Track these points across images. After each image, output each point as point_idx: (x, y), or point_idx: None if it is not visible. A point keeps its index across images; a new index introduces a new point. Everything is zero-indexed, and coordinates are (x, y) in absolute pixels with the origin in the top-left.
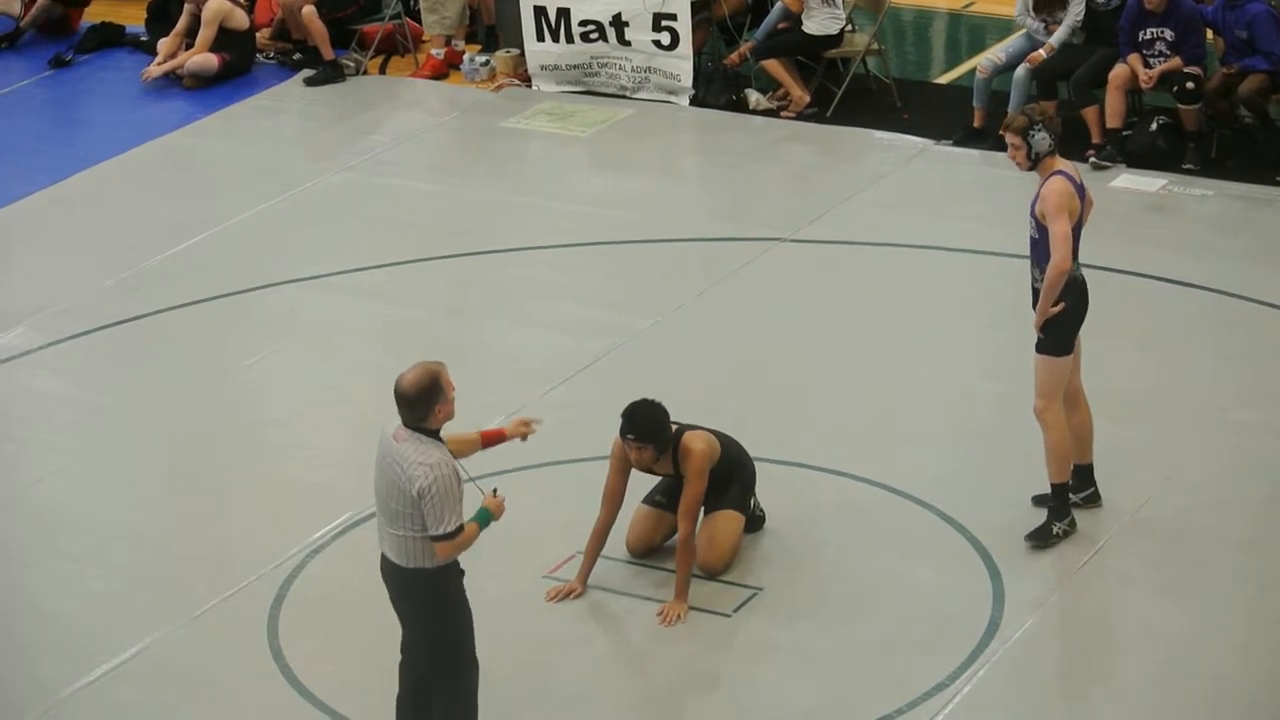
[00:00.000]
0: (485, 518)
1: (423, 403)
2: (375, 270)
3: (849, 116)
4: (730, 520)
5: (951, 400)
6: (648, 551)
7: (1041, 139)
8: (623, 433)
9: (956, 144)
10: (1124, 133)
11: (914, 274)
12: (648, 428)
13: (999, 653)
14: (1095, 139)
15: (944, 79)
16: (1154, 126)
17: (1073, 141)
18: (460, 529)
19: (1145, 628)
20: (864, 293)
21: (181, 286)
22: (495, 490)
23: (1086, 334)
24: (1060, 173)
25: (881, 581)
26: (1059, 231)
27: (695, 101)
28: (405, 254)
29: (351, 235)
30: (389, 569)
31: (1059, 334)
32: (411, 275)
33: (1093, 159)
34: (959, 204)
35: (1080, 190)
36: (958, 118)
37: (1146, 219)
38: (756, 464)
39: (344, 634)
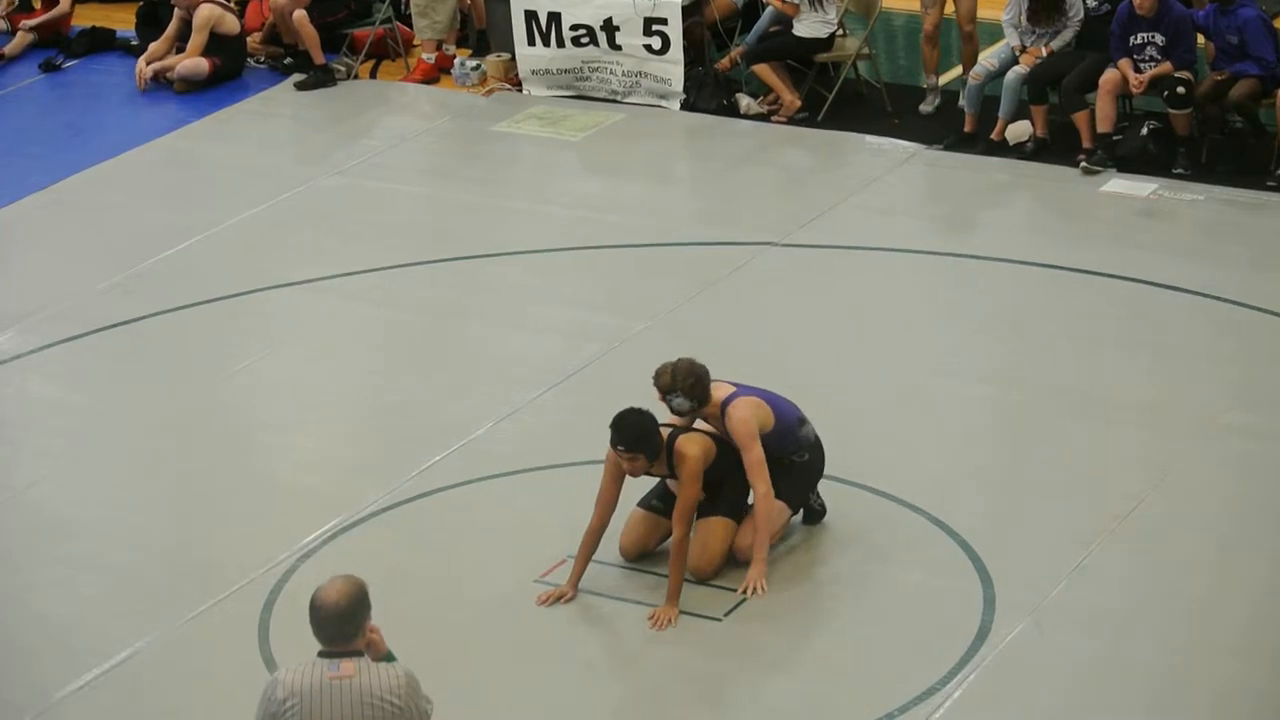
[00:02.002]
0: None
1: (360, 615)
2: (367, 274)
3: (840, 121)
4: (722, 526)
5: (942, 405)
6: (641, 555)
7: (680, 403)
8: (612, 443)
9: (947, 148)
10: (1115, 137)
11: (904, 278)
12: (635, 436)
13: (989, 658)
14: (1086, 144)
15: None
16: (1145, 131)
17: (1063, 146)
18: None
19: (1138, 633)
20: (854, 297)
21: (174, 290)
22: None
23: (1074, 338)
24: (731, 399)
25: (872, 586)
26: (756, 458)
27: (686, 106)
28: (397, 258)
29: (343, 239)
30: None
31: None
32: (403, 279)
33: (1084, 164)
34: (949, 209)
35: (748, 390)
36: (949, 122)
37: (1137, 223)
38: None
39: None
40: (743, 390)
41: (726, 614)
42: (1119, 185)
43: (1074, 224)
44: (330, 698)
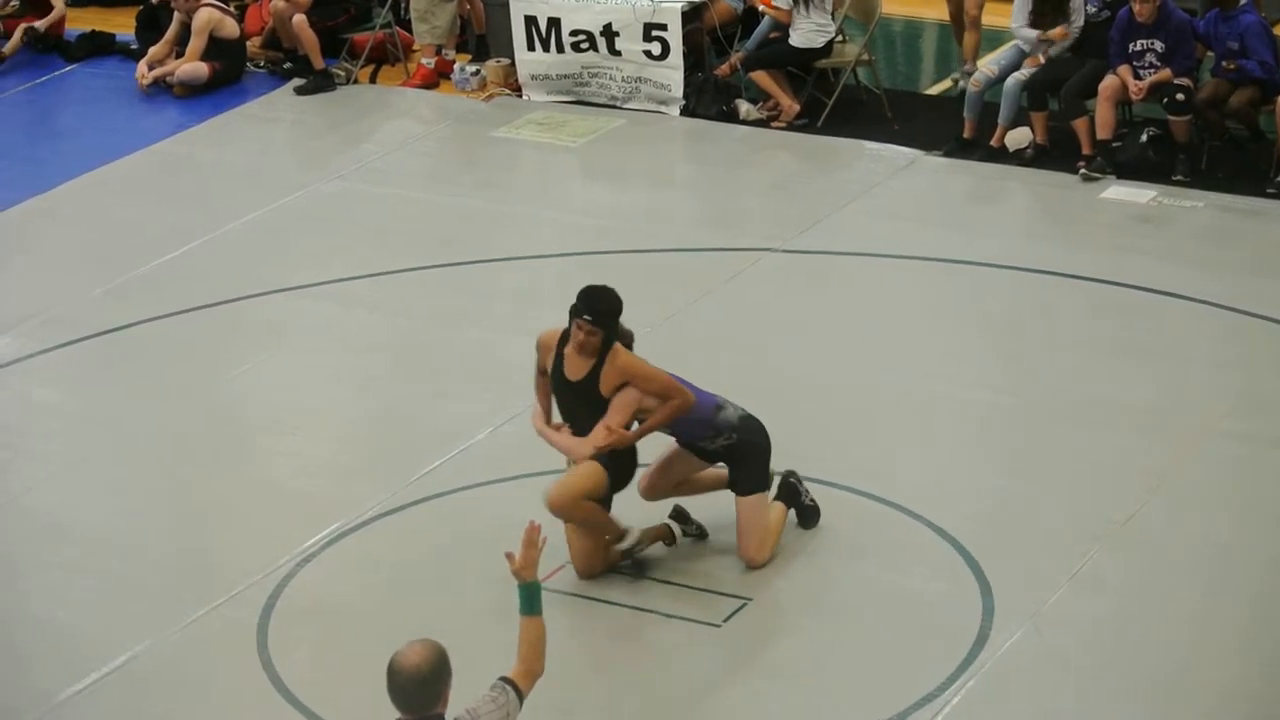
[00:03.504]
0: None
1: (439, 682)
2: (366, 279)
3: (840, 127)
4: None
5: (942, 410)
6: (593, 574)
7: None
8: (575, 312)
9: (947, 155)
10: (1114, 144)
11: (903, 284)
12: (607, 308)
13: (988, 664)
14: (1085, 150)
15: (934, 90)
16: (1144, 138)
17: (1063, 152)
18: None
19: (1138, 638)
20: (854, 302)
21: (172, 295)
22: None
23: (1073, 344)
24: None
25: (870, 592)
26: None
27: (686, 112)
28: (396, 263)
29: (342, 243)
30: None
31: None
32: (403, 284)
33: (1083, 170)
34: (949, 214)
35: None
36: (948, 129)
37: (1137, 230)
38: None
39: (334, 642)
40: None
41: (725, 620)
42: (1118, 192)
43: (1073, 230)
44: None
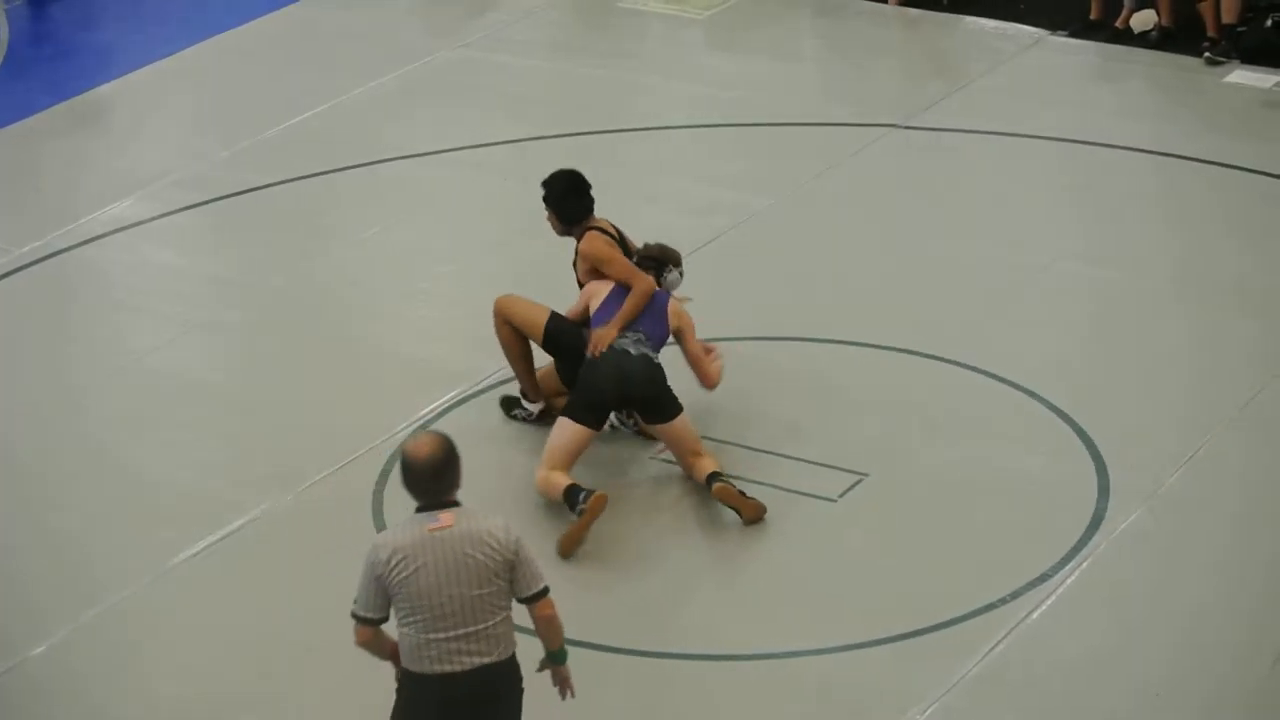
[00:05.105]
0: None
1: (453, 471)
2: (492, 147)
3: (966, 4)
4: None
5: (1063, 289)
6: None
7: (675, 279)
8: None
9: (1072, 35)
10: (1239, 28)
11: (1026, 164)
12: (550, 193)
13: (1102, 545)
14: (1210, 33)
15: None
16: (1269, 23)
17: (1188, 36)
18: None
19: (1255, 521)
20: (977, 181)
21: (298, 159)
22: None
23: (1195, 227)
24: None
25: (987, 470)
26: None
27: None
28: (522, 132)
29: (469, 111)
30: (488, 677)
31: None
32: (528, 153)
33: (1207, 54)
34: (1073, 94)
35: None
36: (1074, 8)
37: (1260, 115)
38: (869, 349)
39: None
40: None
41: (841, 495)
42: (1242, 76)
43: (1196, 114)
44: (433, 550)
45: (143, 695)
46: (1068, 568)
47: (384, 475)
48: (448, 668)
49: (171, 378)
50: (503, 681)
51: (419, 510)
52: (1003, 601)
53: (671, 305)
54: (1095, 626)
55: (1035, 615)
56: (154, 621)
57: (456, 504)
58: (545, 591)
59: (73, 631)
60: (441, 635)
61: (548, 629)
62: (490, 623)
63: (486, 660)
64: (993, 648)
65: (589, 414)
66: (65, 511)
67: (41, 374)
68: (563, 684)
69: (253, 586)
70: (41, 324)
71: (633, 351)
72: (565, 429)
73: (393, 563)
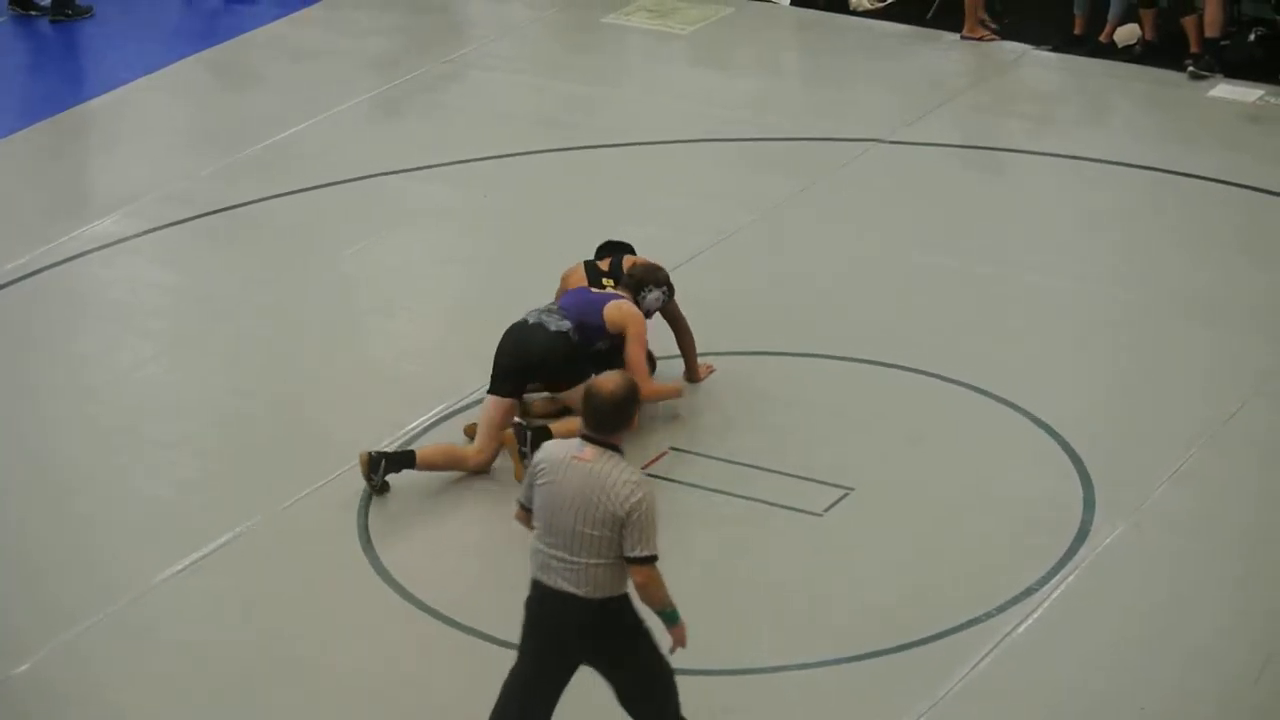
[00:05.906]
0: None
1: (622, 413)
2: (476, 163)
3: (950, 19)
4: None
5: (1047, 304)
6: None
7: (654, 298)
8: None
9: (1055, 50)
10: (1222, 42)
11: (1010, 178)
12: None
13: (1088, 559)
14: (1194, 48)
15: None
16: (1252, 37)
17: (1171, 50)
18: (657, 557)
19: (1237, 535)
20: (960, 196)
21: (280, 176)
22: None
23: (1179, 241)
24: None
25: (973, 484)
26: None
27: (796, 1)
28: (505, 147)
29: (452, 127)
30: (567, 606)
31: None
32: (510, 168)
33: (1191, 68)
34: (1056, 110)
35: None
36: (1058, 24)
37: (1243, 128)
38: (854, 363)
39: (433, 526)
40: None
41: (826, 509)
42: (1226, 90)
43: (1180, 128)
44: (565, 474)
45: (123, 714)
46: (1053, 581)
47: (369, 491)
48: (540, 576)
49: (153, 394)
50: (587, 618)
51: (581, 435)
52: (989, 615)
53: (619, 305)
54: (1081, 640)
55: (1021, 629)
56: (136, 640)
57: (615, 447)
58: (647, 560)
59: (53, 650)
60: (545, 546)
61: (642, 593)
62: (587, 561)
63: (573, 590)
64: (979, 662)
65: (498, 383)
66: (46, 530)
67: (22, 391)
68: (674, 641)
69: (236, 604)
70: (23, 341)
71: (530, 320)
72: (485, 403)
73: (539, 468)
